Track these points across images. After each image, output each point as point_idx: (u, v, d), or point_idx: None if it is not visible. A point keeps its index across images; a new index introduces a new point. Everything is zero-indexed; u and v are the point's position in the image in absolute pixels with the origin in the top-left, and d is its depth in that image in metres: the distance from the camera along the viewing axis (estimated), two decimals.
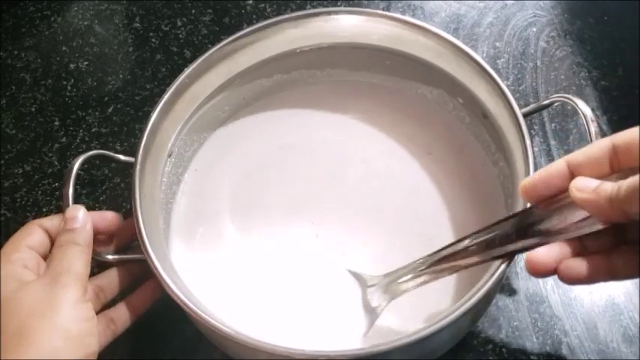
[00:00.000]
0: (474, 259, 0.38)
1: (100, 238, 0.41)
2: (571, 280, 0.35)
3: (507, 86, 0.46)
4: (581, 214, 0.34)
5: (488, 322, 0.46)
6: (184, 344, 0.46)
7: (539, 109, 0.44)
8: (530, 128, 0.53)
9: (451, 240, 0.46)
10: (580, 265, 0.35)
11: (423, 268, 0.40)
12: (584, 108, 0.40)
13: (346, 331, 0.43)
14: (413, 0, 0.64)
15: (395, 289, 0.42)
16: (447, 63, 0.47)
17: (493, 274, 0.37)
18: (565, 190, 0.35)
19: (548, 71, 0.58)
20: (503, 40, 0.60)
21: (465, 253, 0.39)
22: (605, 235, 0.35)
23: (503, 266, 0.37)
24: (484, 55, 0.59)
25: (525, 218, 0.37)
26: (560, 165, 0.35)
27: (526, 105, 0.46)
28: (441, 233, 0.46)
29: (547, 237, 0.36)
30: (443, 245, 0.40)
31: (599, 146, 0.34)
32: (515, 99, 0.43)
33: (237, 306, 0.44)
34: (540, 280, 0.47)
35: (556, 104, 0.44)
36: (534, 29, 0.61)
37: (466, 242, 0.39)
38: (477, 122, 0.48)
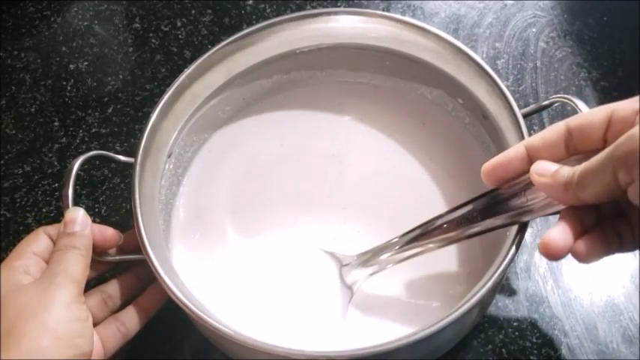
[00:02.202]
0: (446, 236, 0.40)
1: (96, 250, 0.41)
2: (585, 258, 0.34)
3: (507, 87, 0.46)
4: (541, 196, 0.35)
5: (489, 322, 0.46)
6: (184, 344, 0.46)
7: (539, 110, 0.44)
8: (530, 129, 0.53)
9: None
10: (584, 244, 0.34)
11: (397, 247, 0.42)
12: (584, 108, 0.40)
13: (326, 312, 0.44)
14: (413, 0, 0.64)
15: (369, 266, 0.43)
16: (446, 63, 0.47)
17: (493, 275, 0.37)
18: (525, 172, 0.36)
19: (548, 72, 0.58)
20: (502, 41, 0.60)
21: (436, 232, 0.40)
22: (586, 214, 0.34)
23: (503, 266, 0.37)
24: (484, 55, 0.59)
25: (490, 199, 0.38)
26: (518, 149, 0.37)
27: (526, 105, 0.46)
28: None
29: (513, 217, 0.37)
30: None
31: (555, 130, 0.35)
32: (515, 99, 0.43)
33: (237, 306, 0.44)
34: (540, 281, 0.47)
35: (556, 105, 0.44)
36: (534, 30, 0.61)
37: (437, 222, 0.40)
38: (477, 123, 0.48)
